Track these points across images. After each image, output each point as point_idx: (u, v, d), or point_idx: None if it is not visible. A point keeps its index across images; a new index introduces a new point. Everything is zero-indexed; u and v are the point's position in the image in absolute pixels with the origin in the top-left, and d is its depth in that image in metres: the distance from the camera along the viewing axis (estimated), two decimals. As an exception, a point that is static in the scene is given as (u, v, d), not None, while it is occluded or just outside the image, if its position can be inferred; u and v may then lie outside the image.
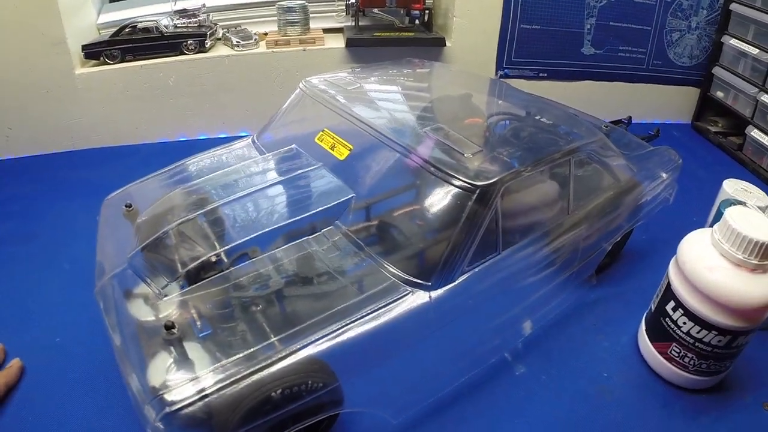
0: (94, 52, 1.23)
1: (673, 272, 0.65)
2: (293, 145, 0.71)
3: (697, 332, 0.62)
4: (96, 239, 0.72)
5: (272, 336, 0.49)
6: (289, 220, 0.58)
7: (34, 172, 1.21)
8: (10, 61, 1.16)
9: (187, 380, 0.46)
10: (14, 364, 0.65)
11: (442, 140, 0.61)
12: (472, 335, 0.61)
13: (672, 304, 0.64)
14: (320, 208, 0.59)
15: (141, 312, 0.54)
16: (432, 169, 0.57)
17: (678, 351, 0.65)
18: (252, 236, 0.56)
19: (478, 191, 0.54)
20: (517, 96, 0.87)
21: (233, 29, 1.34)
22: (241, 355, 0.47)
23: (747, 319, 0.59)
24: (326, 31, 1.37)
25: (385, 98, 0.77)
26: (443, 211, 0.56)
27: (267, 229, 0.57)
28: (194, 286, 0.55)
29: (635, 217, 0.80)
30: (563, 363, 0.69)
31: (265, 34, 1.35)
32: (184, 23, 1.29)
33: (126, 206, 0.70)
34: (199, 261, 0.55)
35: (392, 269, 0.55)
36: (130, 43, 1.24)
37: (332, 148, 0.67)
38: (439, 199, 0.56)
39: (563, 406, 0.64)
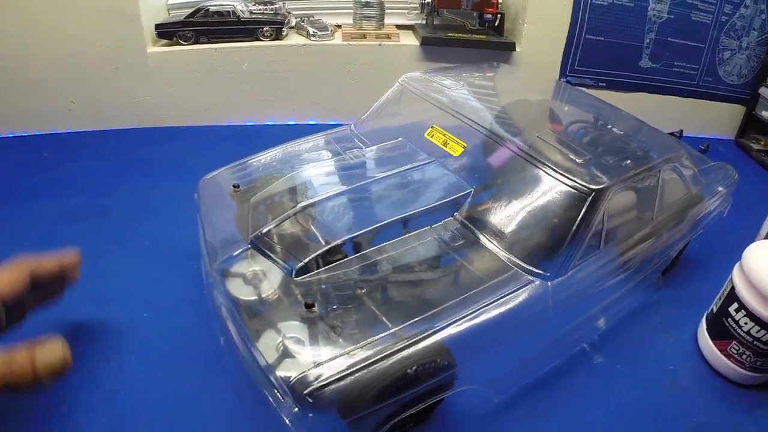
0: (167, 31, 1.26)
1: (738, 277, 0.71)
2: (401, 138, 0.75)
3: (757, 332, 0.68)
4: (197, 218, 0.75)
5: (404, 320, 0.53)
6: (413, 211, 0.62)
7: (98, 147, 1.23)
8: (81, 34, 1.18)
9: (332, 356, 0.50)
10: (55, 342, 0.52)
11: (555, 145, 0.66)
12: (569, 323, 0.67)
13: (735, 305, 0.70)
14: (443, 200, 0.64)
15: (261, 290, 0.58)
16: (551, 171, 0.62)
17: (737, 348, 0.71)
18: (377, 225, 0.61)
19: (593, 194, 0.60)
20: (589, 101, 0.92)
21: (307, 19, 1.37)
22: (381, 335, 0.51)
23: (804, 321, 0.65)
24: (397, 27, 1.41)
25: (480, 99, 0.81)
26: (561, 209, 0.61)
27: (392, 219, 0.61)
28: (324, 268, 0.59)
29: (697, 227, 0.86)
30: (634, 355, 0.75)
31: (339, 26, 1.39)
32: (259, 9, 1.31)
33: (234, 186, 0.73)
34: (332, 245, 0.59)
35: (513, 258, 0.61)
36: (206, 26, 1.26)
37: (444, 144, 0.72)
38: (557, 199, 0.62)
39: (636, 393, 0.70)
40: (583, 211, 0.60)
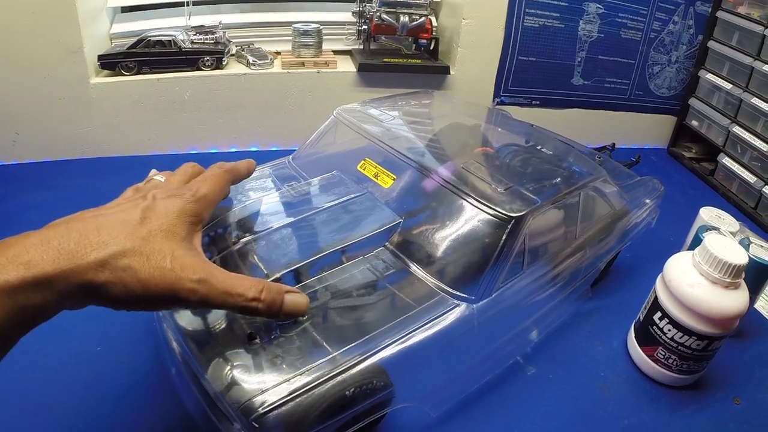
0: (110, 62, 1.26)
1: (660, 288, 0.76)
2: (335, 171, 0.78)
3: (680, 337, 0.73)
4: None
5: (341, 345, 0.56)
6: (346, 244, 0.65)
7: (44, 179, 1.23)
8: (24, 66, 1.18)
9: (276, 383, 0.52)
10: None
11: (478, 176, 0.70)
12: (498, 341, 0.70)
13: (659, 314, 0.75)
14: (373, 232, 0.67)
15: (208, 321, 0.60)
16: (473, 200, 0.66)
17: (663, 353, 0.76)
18: (313, 258, 0.63)
19: (513, 221, 0.64)
20: (517, 125, 0.97)
21: (247, 47, 1.39)
22: (320, 360, 0.54)
23: (721, 327, 0.71)
24: (335, 53, 1.43)
25: (410, 130, 0.85)
26: (483, 236, 0.65)
27: (327, 251, 0.64)
28: None
29: (625, 239, 0.90)
30: (566, 364, 0.79)
31: (278, 53, 1.41)
32: (200, 39, 1.32)
33: None
34: (272, 277, 0.61)
35: (440, 284, 0.64)
36: (148, 56, 1.27)
37: (376, 176, 0.75)
38: (480, 226, 0.65)
39: (569, 400, 0.74)
40: (504, 237, 0.64)
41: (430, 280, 0.65)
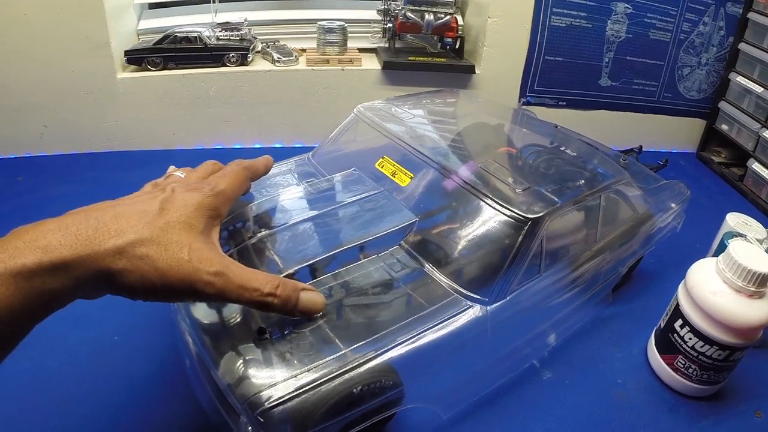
0: (136, 57, 1.28)
1: (682, 295, 0.74)
2: (353, 169, 0.78)
3: (701, 347, 0.71)
4: None
5: (351, 342, 0.56)
6: (360, 241, 0.65)
7: (70, 171, 1.25)
8: (52, 61, 1.20)
9: (284, 378, 0.52)
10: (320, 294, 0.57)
11: (495, 175, 0.69)
12: (512, 344, 0.69)
13: (680, 322, 0.73)
14: (387, 230, 0.66)
15: (223, 315, 0.60)
16: (489, 201, 0.65)
17: (683, 362, 0.74)
18: (328, 254, 0.63)
19: (530, 223, 0.63)
20: (542, 126, 0.96)
21: (272, 44, 1.40)
22: (329, 357, 0.54)
23: (744, 337, 0.69)
24: (360, 50, 1.44)
25: (430, 127, 0.85)
26: (499, 237, 0.64)
27: (342, 248, 0.64)
28: None
29: (648, 244, 0.89)
30: (584, 370, 0.78)
31: (303, 50, 1.42)
32: (226, 35, 1.34)
33: None
34: (287, 272, 0.61)
35: (453, 285, 0.64)
36: (173, 52, 1.29)
37: (393, 174, 0.74)
38: (495, 227, 0.65)
39: (585, 408, 0.73)
40: (520, 239, 0.63)
41: (444, 281, 0.65)
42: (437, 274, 0.65)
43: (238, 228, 0.67)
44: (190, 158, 1.27)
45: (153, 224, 0.45)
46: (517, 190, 0.68)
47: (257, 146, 1.42)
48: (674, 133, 1.60)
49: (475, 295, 0.63)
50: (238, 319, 0.60)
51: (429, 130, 0.84)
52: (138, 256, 0.43)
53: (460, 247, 0.67)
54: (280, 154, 0.83)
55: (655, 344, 0.80)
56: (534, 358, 0.78)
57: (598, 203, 0.74)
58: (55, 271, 0.41)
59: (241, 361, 0.55)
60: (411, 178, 0.74)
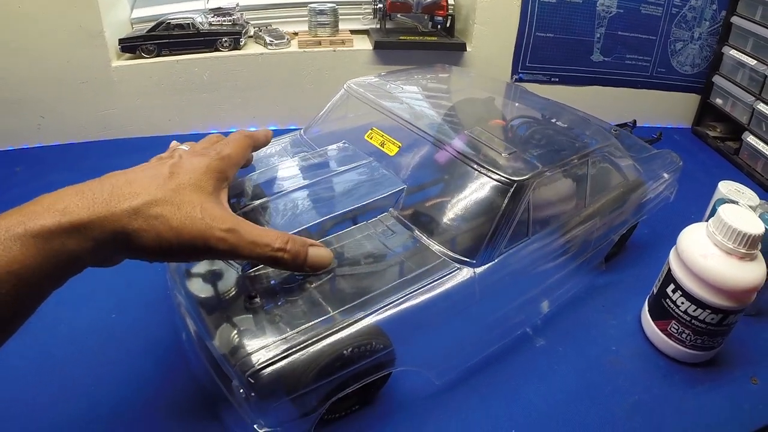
0: (130, 45, 1.29)
1: (673, 259, 0.74)
2: (343, 141, 0.78)
3: (694, 311, 0.71)
4: None
5: (339, 306, 0.57)
6: (351, 207, 0.65)
7: (69, 161, 1.26)
8: (47, 51, 1.21)
9: (273, 341, 0.53)
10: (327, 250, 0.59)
11: (482, 141, 0.70)
12: (502, 309, 0.70)
13: (672, 286, 0.73)
14: (377, 197, 0.67)
15: (217, 288, 0.62)
16: (476, 165, 0.66)
17: (677, 328, 0.74)
18: (319, 221, 0.64)
19: (515, 186, 0.63)
20: (534, 100, 0.96)
21: (264, 28, 1.40)
22: (317, 320, 0.55)
23: (736, 300, 0.69)
24: (352, 32, 1.44)
25: (422, 101, 0.85)
26: (485, 201, 0.64)
27: (331, 215, 0.64)
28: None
29: (640, 212, 0.89)
30: (577, 338, 0.78)
31: (295, 33, 1.42)
32: (218, 21, 1.34)
33: None
34: None
35: (441, 249, 0.64)
36: (167, 39, 1.29)
37: (382, 144, 0.75)
38: (481, 191, 0.65)
39: (578, 374, 0.73)
40: (506, 201, 0.63)
41: (433, 245, 0.65)
42: (426, 239, 0.66)
43: (232, 203, 0.68)
44: (183, 143, 1.29)
45: (165, 186, 0.47)
46: (503, 155, 0.68)
47: (252, 128, 1.38)
48: (669, 109, 1.60)
49: (463, 258, 0.64)
50: (233, 293, 0.61)
51: (420, 103, 0.84)
52: (153, 215, 0.45)
53: (447, 211, 0.68)
54: (275, 135, 0.83)
55: (648, 311, 0.80)
56: (527, 325, 0.78)
57: (586, 169, 0.75)
58: (74, 233, 0.43)
59: (234, 330, 0.56)
60: (399, 147, 0.74)
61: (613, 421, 0.68)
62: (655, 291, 0.79)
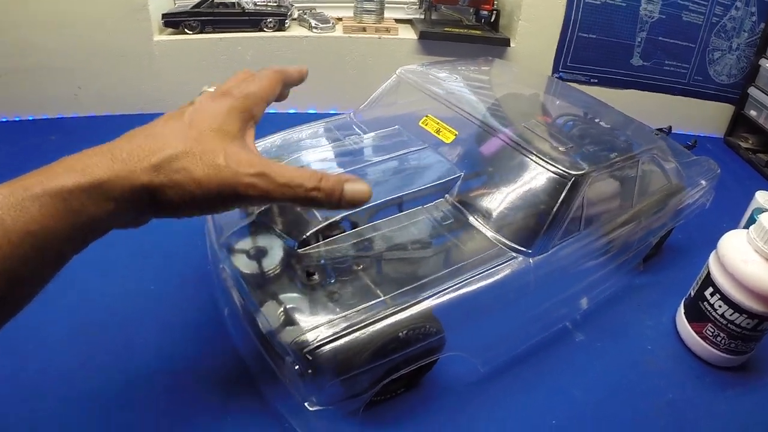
0: (173, 21, 1.29)
1: (713, 263, 0.75)
2: (397, 126, 0.80)
3: (730, 314, 0.72)
4: None
5: (395, 288, 0.58)
6: (407, 192, 0.67)
7: (104, 132, 1.21)
8: (89, 22, 1.21)
9: (332, 319, 0.54)
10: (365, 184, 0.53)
11: (539, 135, 0.71)
12: (550, 301, 0.71)
13: (710, 289, 0.75)
14: (434, 183, 0.68)
15: (264, 264, 0.62)
16: (535, 157, 0.67)
17: (712, 330, 0.75)
18: (373, 204, 0.65)
19: (573, 179, 0.64)
20: (579, 97, 0.97)
21: (309, 11, 1.41)
22: (375, 301, 0.56)
23: (772, 306, 0.70)
24: (397, 21, 1.45)
25: (470, 92, 0.85)
26: (543, 192, 0.66)
27: (386, 198, 0.66)
28: (324, 241, 0.63)
29: (677, 217, 0.90)
30: (614, 335, 0.79)
31: (339, 19, 1.43)
32: (263, 1, 1.35)
33: None
34: (331, 221, 0.63)
35: (497, 236, 0.65)
36: (211, 16, 1.30)
37: (437, 132, 0.76)
38: (540, 183, 0.66)
39: (615, 371, 0.74)
40: (564, 194, 0.64)
41: (488, 233, 0.66)
42: (482, 227, 0.67)
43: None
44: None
45: (185, 137, 0.45)
46: (560, 149, 0.69)
47: (291, 111, 1.43)
48: (702, 117, 1.60)
49: (519, 247, 0.65)
50: (280, 268, 0.62)
51: (470, 95, 0.85)
52: (175, 170, 0.43)
53: (504, 200, 0.69)
54: (314, 119, 0.84)
55: (685, 313, 0.81)
56: (567, 319, 0.80)
57: (636, 169, 0.76)
58: (94, 192, 0.41)
59: (285, 304, 0.57)
60: (455, 135, 0.75)
61: (647, 418, 0.69)
62: (692, 293, 0.80)
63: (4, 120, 1.30)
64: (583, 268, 0.73)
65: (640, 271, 0.91)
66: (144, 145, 0.44)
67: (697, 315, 0.78)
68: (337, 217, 0.64)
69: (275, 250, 0.64)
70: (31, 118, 1.31)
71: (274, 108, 1.31)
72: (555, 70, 1.46)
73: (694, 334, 0.78)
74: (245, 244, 0.65)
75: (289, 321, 0.55)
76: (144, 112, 1.36)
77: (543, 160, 0.67)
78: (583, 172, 0.65)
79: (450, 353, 0.62)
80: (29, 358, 0.68)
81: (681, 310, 0.82)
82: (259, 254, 0.64)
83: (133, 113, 1.35)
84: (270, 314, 0.57)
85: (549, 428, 0.66)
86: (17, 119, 1.30)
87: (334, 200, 0.50)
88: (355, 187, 0.51)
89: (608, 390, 0.72)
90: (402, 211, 0.68)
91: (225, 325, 0.73)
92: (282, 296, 0.58)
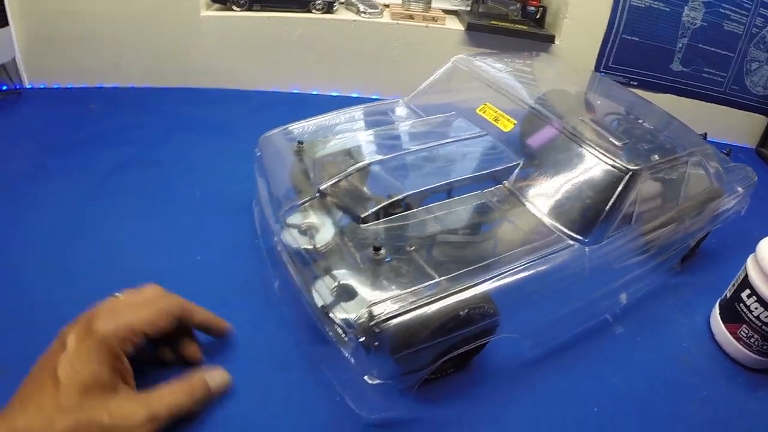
0: (222, -4, 1.29)
1: (751, 266, 0.77)
2: (454, 112, 0.82)
3: (766, 317, 0.74)
4: (254, 171, 0.82)
5: (455, 269, 0.59)
6: (467, 176, 0.69)
7: (144, 103, 1.28)
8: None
9: (397, 294, 0.56)
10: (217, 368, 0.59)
11: (598, 129, 0.73)
12: (598, 291, 0.73)
13: (747, 291, 0.76)
14: (494, 169, 0.70)
15: (321, 239, 0.64)
16: (594, 151, 0.69)
17: (747, 332, 0.77)
18: (433, 185, 0.67)
19: (630, 174, 0.67)
20: (629, 96, 0.99)
21: (358, -5, 1.41)
22: (439, 279, 0.58)
23: (807, 309, 0.71)
24: (443, 11, 1.46)
25: (527, 84, 0.88)
26: (601, 185, 0.68)
27: (446, 181, 0.68)
28: (387, 219, 0.65)
29: (714, 221, 0.92)
30: (652, 330, 0.81)
31: (387, 5, 1.44)
32: (313, -16, 1.35)
33: (298, 143, 0.78)
34: (394, 199, 0.65)
35: (555, 224, 0.67)
36: (260, -7, 1.29)
37: (495, 120, 0.78)
38: (597, 176, 0.68)
39: (653, 365, 0.76)
40: (620, 188, 0.66)
41: (546, 220, 0.68)
42: (539, 214, 0.69)
43: (341, 158, 0.72)
44: (265, 100, 1.34)
45: (69, 407, 0.44)
46: (617, 144, 0.71)
47: (334, 94, 1.44)
48: (736, 126, 1.61)
49: (576, 235, 0.67)
50: (335, 243, 0.64)
51: (522, 86, 0.87)
52: None
53: (562, 189, 0.71)
54: (356, 103, 0.86)
55: (720, 313, 0.83)
56: (608, 312, 0.81)
57: (685, 169, 0.77)
58: None
59: (351, 278, 0.59)
60: (514, 124, 0.77)
61: (684, 414, 0.71)
62: (728, 295, 0.82)
63: (42, 86, 1.31)
64: (629, 262, 0.75)
65: (677, 271, 0.92)
66: (35, 423, 0.43)
67: (732, 316, 0.79)
68: (400, 196, 0.65)
69: (332, 226, 0.65)
70: (70, 86, 1.32)
71: (316, 90, 1.35)
72: (596, 70, 1.47)
73: (729, 335, 0.80)
74: (301, 219, 0.67)
75: (353, 295, 0.57)
76: (185, 85, 1.37)
77: (602, 153, 0.69)
78: (640, 167, 0.67)
79: (503, 335, 0.63)
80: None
81: (716, 310, 0.84)
82: (316, 229, 0.66)
83: (174, 86, 1.36)
84: (330, 288, 0.59)
85: (591, 415, 0.67)
86: (56, 86, 1.32)
87: (207, 395, 0.55)
88: (217, 380, 0.56)
89: (646, 383, 0.73)
90: (460, 195, 0.70)
91: (272, 297, 0.74)
92: (344, 270, 0.60)
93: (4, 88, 1.27)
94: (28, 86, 1.30)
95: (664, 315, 0.86)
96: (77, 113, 1.20)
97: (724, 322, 0.81)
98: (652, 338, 0.80)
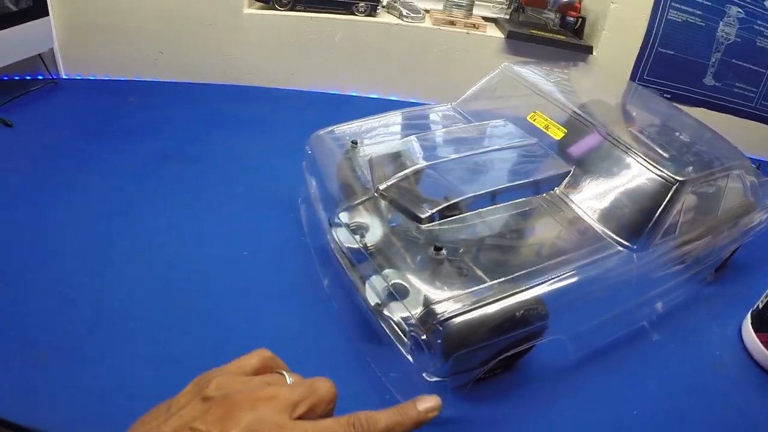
0: (262, -5, 1.30)
1: (786, 278, 0.79)
2: (504, 120, 0.84)
3: (798, 328, 0.75)
4: (303, 168, 0.84)
5: (509, 272, 0.62)
6: (520, 181, 0.72)
7: (183, 98, 1.31)
8: (180, -10, 1.22)
9: (459, 294, 0.58)
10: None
11: (645, 140, 0.75)
12: (641, 297, 0.76)
13: (780, 302, 0.78)
14: (546, 175, 0.73)
15: (374, 237, 0.66)
16: (642, 160, 0.72)
17: (778, 341, 0.78)
18: (489, 190, 0.69)
19: (677, 184, 0.69)
20: (669, 109, 1.01)
21: (400, 0, 1.44)
22: (498, 280, 0.60)
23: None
24: (483, 19, 1.48)
25: (571, 92, 0.90)
26: (649, 193, 0.70)
27: (501, 186, 0.70)
28: (446, 220, 0.68)
29: (746, 235, 0.93)
30: (685, 339, 0.83)
31: (427, 11, 1.46)
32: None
33: (352, 143, 0.81)
34: (453, 201, 0.68)
35: (605, 230, 0.70)
36: (304, -6, 1.31)
37: (546, 128, 0.80)
38: (646, 185, 0.71)
39: (688, 372, 0.78)
40: (668, 197, 0.69)
41: (596, 226, 0.71)
42: (589, 219, 0.72)
43: (396, 159, 0.74)
44: (303, 99, 1.36)
45: None
46: (665, 155, 0.73)
47: (372, 96, 1.46)
48: (764, 141, 1.62)
49: (625, 242, 0.69)
50: (398, 239, 0.66)
51: (565, 95, 0.89)
52: None
53: (611, 197, 0.73)
54: (395, 106, 0.88)
55: (752, 323, 0.85)
56: (646, 319, 0.83)
57: (726, 182, 0.80)
58: None
59: (411, 277, 0.61)
60: (565, 132, 0.79)
61: (717, 420, 0.73)
62: (760, 306, 0.84)
63: (78, 77, 1.34)
64: (669, 271, 0.77)
65: (709, 282, 0.94)
66: None
67: (764, 326, 0.82)
68: (458, 199, 0.68)
69: (382, 226, 0.68)
70: (106, 78, 1.35)
71: (355, 91, 1.37)
72: (632, 80, 1.49)
73: (760, 344, 0.82)
74: (355, 217, 0.70)
75: (410, 293, 0.59)
76: (224, 82, 1.39)
77: (650, 163, 0.71)
78: (687, 178, 0.70)
79: (552, 337, 0.65)
80: (122, 321, 0.71)
81: (748, 320, 0.86)
82: (367, 228, 0.68)
83: (213, 82, 1.39)
84: (384, 286, 0.61)
85: (631, 418, 0.70)
86: (92, 78, 1.35)
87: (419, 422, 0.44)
88: (428, 404, 0.44)
89: (682, 388, 0.76)
90: (512, 200, 0.72)
91: (321, 294, 0.76)
92: (399, 269, 0.62)
93: (41, 77, 1.29)
94: (65, 77, 1.33)
95: (697, 324, 0.88)
96: (115, 105, 1.23)
97: (756, 332, 0.83)
98: (686, 346, 0.83)
